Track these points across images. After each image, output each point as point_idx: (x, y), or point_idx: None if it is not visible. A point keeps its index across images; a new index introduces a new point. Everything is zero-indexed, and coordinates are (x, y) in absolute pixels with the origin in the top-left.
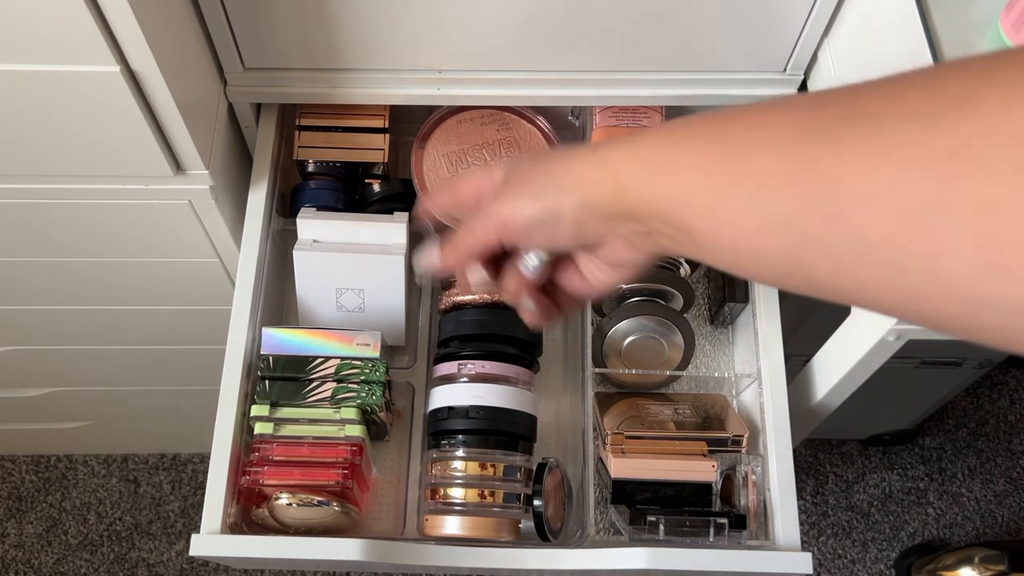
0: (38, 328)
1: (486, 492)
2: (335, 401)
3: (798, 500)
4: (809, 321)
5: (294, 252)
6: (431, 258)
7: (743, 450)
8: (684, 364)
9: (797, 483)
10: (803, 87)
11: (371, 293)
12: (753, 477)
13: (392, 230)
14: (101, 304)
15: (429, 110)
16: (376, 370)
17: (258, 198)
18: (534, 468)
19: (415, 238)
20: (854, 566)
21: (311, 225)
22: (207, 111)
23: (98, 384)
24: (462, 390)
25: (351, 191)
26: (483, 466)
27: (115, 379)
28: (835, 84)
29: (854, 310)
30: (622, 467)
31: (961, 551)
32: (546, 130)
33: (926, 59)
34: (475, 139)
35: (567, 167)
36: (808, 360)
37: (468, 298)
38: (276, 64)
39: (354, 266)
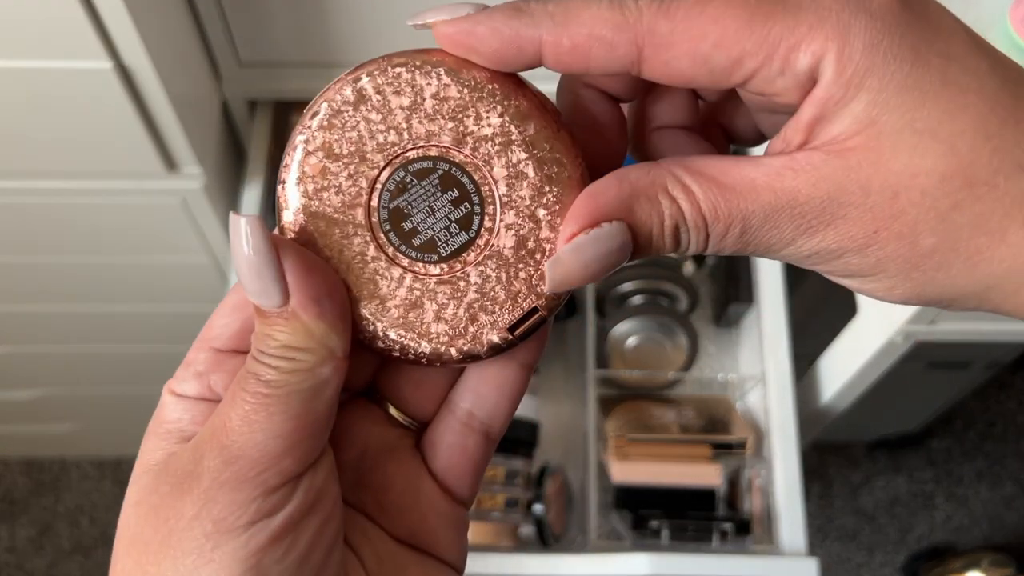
0: (28, 329)
1: (486, 497)
2: None
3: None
4: (816, 322)
5: None
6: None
7: (747, 454)
8: (688, 366)
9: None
10: None
11: None
12: (758, 481)
13: None
14: (93, 304)
15: None
16: None
17: (252, 196)
18: (535, 473)
19: None
20: (860, 570)
21: None
22: (201, 108)
23: (90, 385)
24: None
25: None
26: None
27: (107, 380)
28: None
29: (861, 312)
30: (624, 471)
31: (969, 555)
32: None
33: None
34: None
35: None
36: (814, 361)
37: None
38: (272, 60)
39: None
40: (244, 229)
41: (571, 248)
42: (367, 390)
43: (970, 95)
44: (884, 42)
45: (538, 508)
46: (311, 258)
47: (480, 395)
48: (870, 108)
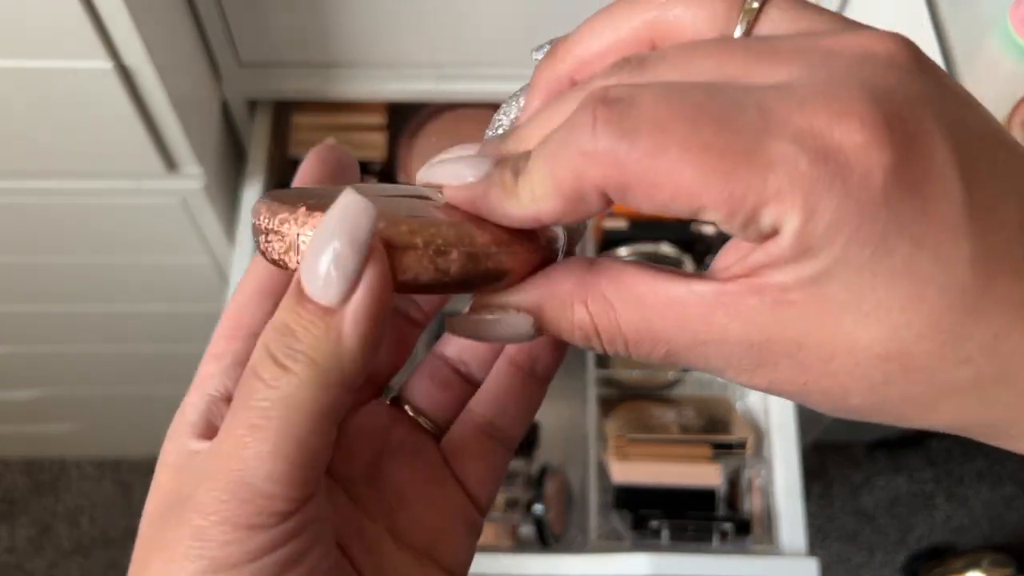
0: (28, 329)
1: None
2: None
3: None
4: None
5: None
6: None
7: (747, 454)
8: None
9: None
10: None
11: None
12: (758, 481)
13: None
14: (93, 304)
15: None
16: None
17: (252, 196)
18: (535, 473)
19: None
20: (860, 570)
21: None
22: (201, 108)
23: (89, 385)
24: None
25: None
26: None
27: (107, 380)
28: None
29: None
30: (624, 472)
31: (969, 555)
32: None
33: (934, 56)
34: (472, 138)
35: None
36: None
37: None
38: (272, 60)
39: None
40: (355, 212)
41: (471, 319)
42: (388, 395)
43: (931, 288)
44: (851, 224)
45: (538, 508)
46: (388, 273)
47: (501, 406)
48: (819, 275)
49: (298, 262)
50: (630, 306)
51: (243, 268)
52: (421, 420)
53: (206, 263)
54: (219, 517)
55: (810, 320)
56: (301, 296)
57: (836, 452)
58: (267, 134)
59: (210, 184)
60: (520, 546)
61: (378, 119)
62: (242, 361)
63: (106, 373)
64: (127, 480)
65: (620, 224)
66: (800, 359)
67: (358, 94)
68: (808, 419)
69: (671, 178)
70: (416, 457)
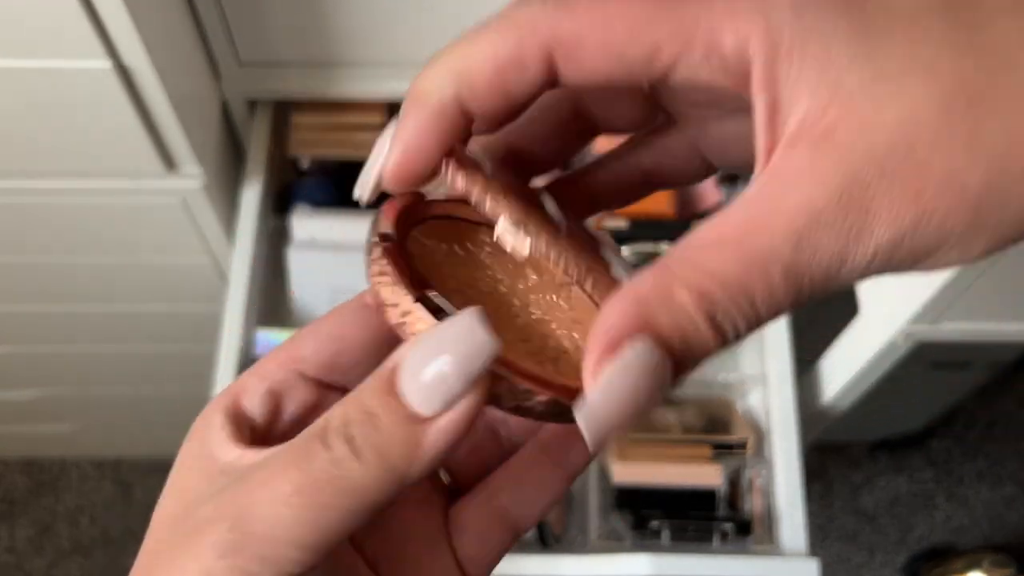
0: (28, 329)
1: None
2: None
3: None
4: (817, 322)
5: (289, 251)
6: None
7: (748, 454)
8: None
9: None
10: None
11: None
12: (758, 482)
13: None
14: (93, 304)
15: None
16: None
17: (252, 196)
18: None
19: None
20: (860, 570)
21: (307, 223)
22: (201, 108)
23: (89, 385)
24: None
25: (347, 188)
26: None
27: (107, 380)
28: None
29: (863, 312)
30: (625, 472)
31: (970, 555)
32: None
33: None
34: None
35: None
36: (815, 361)
37: None
38: (272, 60)
39: (352, 265)
40: (476, 344)
41: (600, 390)
42: None
43: (921, 19)
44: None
45: None
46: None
47: (520, 492)
48: (824, 72)
49: (401, 326)
50: (717, 254)
51: (242, 268)
52: (440, 472)
53: (206, 263)
54: (232, 563)
55: (861, 126)
56: (392, 390)
57: (836, 452)
58: (267, 134)
59: (210, 184)
60: (520, 546)
61: (378, 119)
62: (277, 393)
63: (106, 373)
64: (127, 480)
65: (620, 224)
66: (890, 173)
67: (358, 94)
68: (808, 419)
69: (622, 17)
70: (422, 506)
